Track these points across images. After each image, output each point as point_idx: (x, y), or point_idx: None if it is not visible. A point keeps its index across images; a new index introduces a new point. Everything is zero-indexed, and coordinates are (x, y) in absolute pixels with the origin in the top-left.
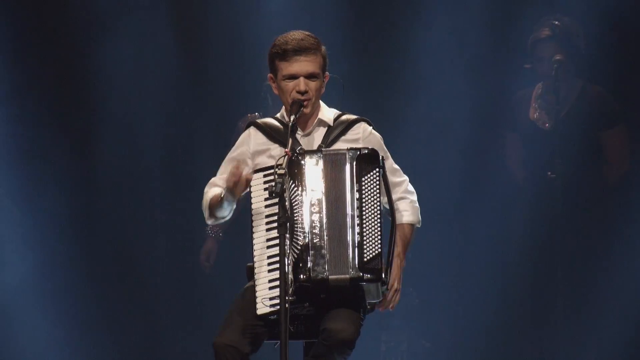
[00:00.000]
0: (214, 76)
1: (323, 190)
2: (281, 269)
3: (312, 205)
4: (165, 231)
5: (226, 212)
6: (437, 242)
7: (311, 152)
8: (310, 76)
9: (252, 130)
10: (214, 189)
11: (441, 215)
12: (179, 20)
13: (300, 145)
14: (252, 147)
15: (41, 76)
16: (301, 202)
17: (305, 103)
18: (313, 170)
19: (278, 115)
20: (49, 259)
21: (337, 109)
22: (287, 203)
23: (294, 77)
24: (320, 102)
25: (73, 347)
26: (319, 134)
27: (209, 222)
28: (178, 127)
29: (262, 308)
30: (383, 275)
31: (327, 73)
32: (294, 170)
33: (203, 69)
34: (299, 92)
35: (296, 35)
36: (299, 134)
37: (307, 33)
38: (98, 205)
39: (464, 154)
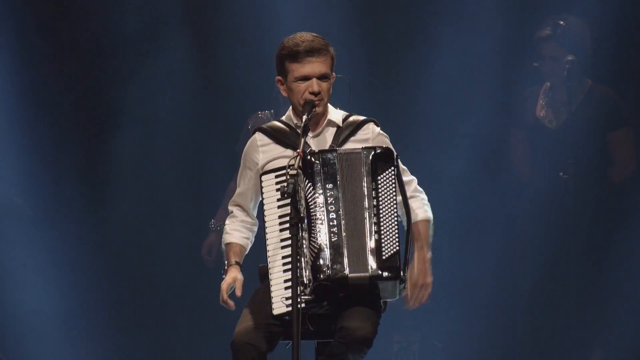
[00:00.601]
0: (226, 77)
1: (340, 189)
2: (293, 269)
3: (329, 204)
4: (180, 237)
5: None
6: (449, 242)
7: (326, 152)
8: (322, 77)
9: (258, 136)
10: (234, 234)
11: (453, 216)
12: (193, 21)
13: (310, 146)
14: (261, 159)
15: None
16: (318, 201)
17: (317, 103)
18: (329, 169)
19: (283, 118)
20: (65, 266)
21: (343, 110)
22: (302, 203)
23: (306, 78)
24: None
25: (87, 351)
26: (329, 134)
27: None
28: (191, 130)
29: (279, 308)
30: (402, 274)
31: (333, 73)
32: (308, 170)
33: (215, 70)
34: (312, 93)
35: (306, 36)
36: (309, 135)
37: (315, 34)
38: (113, 211)
39: (476, 154)
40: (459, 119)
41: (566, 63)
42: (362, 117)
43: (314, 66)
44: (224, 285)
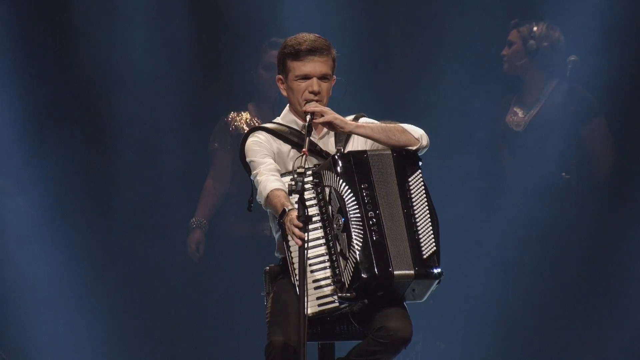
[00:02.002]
0: (231, 76)
1: (375, 189)
2: (300, 267)
3: (366, 203)
4: (185, 235)
5: None
6: (452, 242)
7: (357, 152)
8: (322, 77)
9: (260, 134)
10: (276, 183)
11: (456, 215)
12: (196, 15)
13: (318, 146)
14: (275, 150)
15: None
16: (355, 200)
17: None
18: (362, 169)
19: (279, 119)
20: (69, 266)
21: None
22: (323, 208)
23: (307, 77)
24: None
25: (90, 353)
26: (332, 136)
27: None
28: (194, 128)
29: (312, 308)
30: (441, 273)
31: (334, 76)
32: (340, 169)
33: (218, 68)
34: (311, 92)
35: (309, 36)
36: (314, 137)
37: (317, 35)
38: (118, 211)
39: (478, 155)
40: (463, 121)
41: (568, 63)
42: (352, 116)
43: (315, 65)
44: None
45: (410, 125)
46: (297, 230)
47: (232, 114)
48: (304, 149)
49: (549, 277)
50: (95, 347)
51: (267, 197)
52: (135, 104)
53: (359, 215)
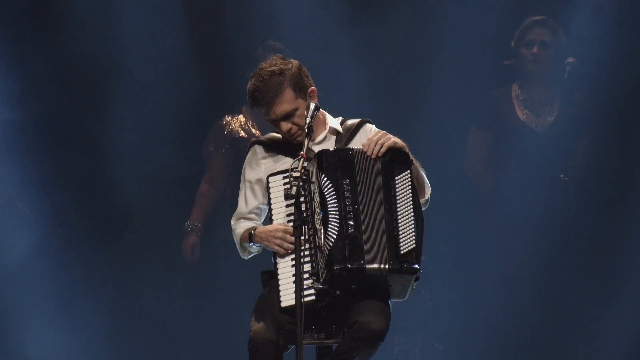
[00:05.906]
0: (229, 76)
1: (357, 185)
2: (297, 271)
3: (346, 197)
4: (181, 235)
5: (255, 252)
6: (450, 244)
7: (343, 149)
8: (285, 117)
9: (257, 148)
10: (245, 223)
11: (453, 217)
12: (193, 13)
13: (314, 152)
14: (264, 170)
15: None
16: (335, 194)
17: (295, 137)
18: (346, 165)
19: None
20: (67, 268)
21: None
22: (316, 198)
23: (274, 121)
24: (323, 111)
25: (88, 351)
26: (331, 142)
27: (244, 257)
28: (190, 127)
29: (287, 301)
30: (418, 270)
31: (311, 87)
32: (324, 164)
33: (217, 67)
34: (283, 134)
35: (258, 82)
36: (312, 143)
37: (268, 71)
38: (111, 209)
39: None
40: (462, 121)
41: (567, 65)
42: (357, 120)
43: (270, 111)
44: (281, 227)
45: (427, 180)
46: (279, 234)
47: (227, 118)
48: (301, 152)
49: (547, 280)
50: (93, 349)
51: (241, 237)
52: (130, 108)
53: (336, 208)
